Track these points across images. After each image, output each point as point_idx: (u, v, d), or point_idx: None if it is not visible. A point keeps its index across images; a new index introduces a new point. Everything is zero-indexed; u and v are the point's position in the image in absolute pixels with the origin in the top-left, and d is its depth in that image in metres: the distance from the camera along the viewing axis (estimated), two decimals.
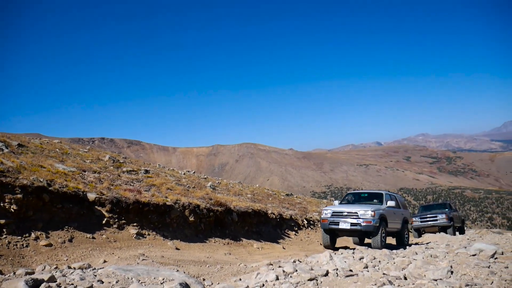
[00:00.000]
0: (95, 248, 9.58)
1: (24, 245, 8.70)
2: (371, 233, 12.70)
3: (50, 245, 9.04)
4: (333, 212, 13.28)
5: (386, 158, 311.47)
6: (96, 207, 10.99)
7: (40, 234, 9.26)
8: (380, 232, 12.64)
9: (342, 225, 12.91)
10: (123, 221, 11.26)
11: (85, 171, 14.02)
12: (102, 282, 5.55)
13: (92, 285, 4.87)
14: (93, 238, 10.10)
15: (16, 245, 8.61)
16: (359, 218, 12.65)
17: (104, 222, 10.83)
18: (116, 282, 5.67)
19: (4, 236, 8.70)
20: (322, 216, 13.62)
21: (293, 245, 16.36)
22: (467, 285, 6.24)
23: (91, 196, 11.03)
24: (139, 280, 5.87)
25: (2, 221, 8.83)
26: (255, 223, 16.21)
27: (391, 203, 13.69)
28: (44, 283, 4.30)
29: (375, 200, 14.60)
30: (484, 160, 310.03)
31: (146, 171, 17.93)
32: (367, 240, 15.99)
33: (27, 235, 9.05)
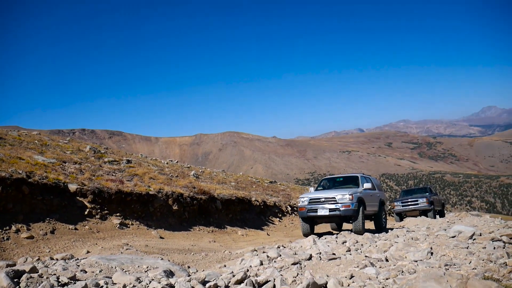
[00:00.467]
0: (77, 239, 9.50)
1: (5, 238, 8.58)
2: (351, 217, 12.40)
3: (31, 237, 8.93)
4: (310, 199, 12.83)
5: (368, 144, 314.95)
6: (77, 198, 10.87)
7: (21, 227, 9.13)
8: (360, 216, 12.36)
9: (321, 212, 12.48)
10: (106, 212, 11.17)
11: (65, 162, 13.81)
12: (86, 272, 5.52)
13: (75, 274, 4.84)
14: (76, 229, 10.01)
15: None
16: (337, 203, 12.27)
17: (86, 213, 10.73)
18: (100, 271, 5.65)
19: None
20: (299, 204, 13.21)
21: (277, 232, 16.49)
22: (446, 265, 6.40)
23: (72, 187, 10.90)
24: (123, 269, 5.86)
25: None
26: (239, 211, 16.27)
27: (367, 185, 13.41)
28: (26, 274, 4.25)
29: (351, 184, 14.23)
30: (463, 145, 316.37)
31: (128, 161, 17.77)
32: (345, 226, 15.91)
33: (7, 228, 8.91)
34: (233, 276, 6.25)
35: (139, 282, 5.10)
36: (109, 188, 11.51)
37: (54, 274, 4.71)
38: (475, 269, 6.24)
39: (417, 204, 22.50)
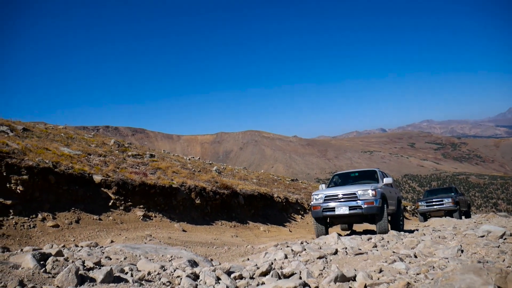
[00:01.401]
0: (102, 229, 9.56)
1: (31, 226, 8.68)
2: (374, 216, 10.91)
3: (57, 226, 9.02)
4: (325, 196, 11.16)
5: (391, 144, 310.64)
6: (102, 189, 10.95)
7: (47, 215, 9.24)
8: (385, 214, 10.92)
9: (339, 211, 10.81)
10: (130, 203, 11.22)
11: (90, 155, 13.96)
12: (110, 259, 5.49)
13: (100, 260, 4.81)
14: (100, 219, 10.08)
15: (23, 225, 8.58)
16: (359, 199, 10.69)
17: (110, 204, 10.80)
18: (124, 258, 5.62)
19: (11, 217, 8.67)
20: (312, 202, 11.47)
21: (300, 229, 16.33)
22: (479, 261, 6.14)
23: (97, 178, 10.98)
24: (147, 257, 5.81)
25: (9, 202, 8.80)
26: (261, 207, 16.17)
27: (388, 180, 12.13)
28: (52, 257, 4.23)
29: (368, 180, 12.58)
30: (489, 146, 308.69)
31: (151, 156, 17.88)
32: (354, 226, 14.80)
33: (33, 216, 9.02)
34: (258, 268, 6.14)
35: (164, 270, 5.04)
36: (133, 180, 11.56)
37: (80, 259, 4.69)
38: (510, 267, 5.99)
39: (442, 204, 21.94)
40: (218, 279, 4.96)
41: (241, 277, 5.36)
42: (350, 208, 10.75)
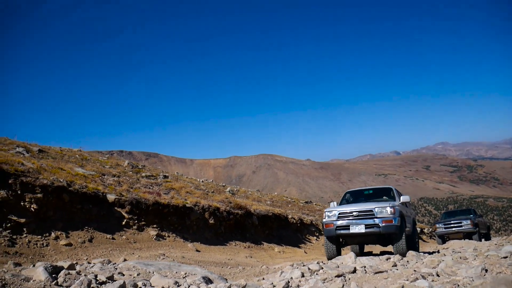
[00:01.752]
0: (115, 248, 9.44)
1: (44, 244, 8.60)
2: (393, 236, 10.03)
3: (70, 244, 8.93)
4: (339, 214, 10.29)
5: (405, 167, 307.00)
6: (115, 208, 10.88)
7: (60, 234, 9.17)
8: (403, 235, 10.08)
9: (354, 229, 9.95)
10: (143, 223, 11.11)
11: (104, 175, 13.97)
12: (123, 275, 5.35)
13: (113, 275, 4.68)
14: (113, 238, 9.97)
15: (36, 244, 8.51)
16: (376, 217, 9.84)
17: (123, 223, 10.70)
18: (137, 275, 5.48)
19: (24, 235, 8.62)
20: (324, 220, 10.56)
21: (315, 250, 15.98)
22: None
23: (111, 197, 10.93)
24: (161, 274, 5.66)
25: (22, 220, 8.76)
26: (276, 227, 15.90)
27: (405, 198, 11.19)
28: (64, 270, 4.13)
29: (384, 197, 11.70)
30: (506, 168, 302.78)
31: (165, 177, 17.85)
32: (366, 248, 14.01)
33: (47, 234, 8.96)
34: (274, 286, 5.96)
35: (178, 286, 4.89)
36: (146, 199, 11.48)
37: (92, 273, 4.57)
38: None
39: (461, 226, 21.32)
40: None
41: None
42: (367, 226, 9.86)
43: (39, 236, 8.80)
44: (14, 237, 8.42)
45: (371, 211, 9.98)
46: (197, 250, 11.00)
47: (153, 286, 4.72)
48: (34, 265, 5.63)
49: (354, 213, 10.14)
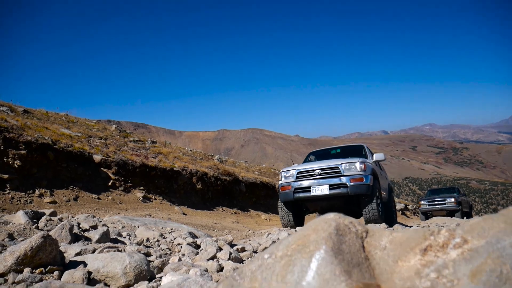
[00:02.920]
0: (100, 208, 9.31)
1: (28, 201, 8.44)
2: (364, 198, 8.18)
3: (54, 202, 8.77)
4: (298, 173, 8.52)
5: (392, 147, 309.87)
6: (102, 168, 10.70)
7: (44, 192, 8.99)
8: (375, 197, 8.24)
9: (316, 191, 8.14)
10: (130, 184, 10.97)
11: (91, 137, 13.71)
12: (107, 227, 5.24)
13: (97, 224, 4.56)
14: (99, 198, 9.84)
15: (20, 200, 8.34)
16: (343, 175, 8.07)
17: (110, 184, 10.55)
18: (122, 227, 5.37)
19: (7, 191, 8.44)
20: (281, 182, 8.79)
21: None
22: None
23: (97, 157, 10.73)
24: (147, 227, 5.56)
25: (5, 176, 8.56)
26: (263, 196, 15.91)
27: (379, 156, 9.52)
28: (46, 216, 3.99)
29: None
30: (491, 151, 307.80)
31: (153, 142, 17.63)
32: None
33: (31, 191, 8.78)
34: (260, 245, 5.91)
35: (164, 238, 4.80)
36: (133, 161, 11.32)
37: (76, 221, 4.45)
38: None
39: (445, 204, 21.69)
40: (220, 249, 4.71)
41: (243, 249, 5.11)
42: (331, 186, 8.04)
43: (23, 193, 8.62)
44: None
45: (337, 168, 8.16)
46: (183, 213, 10.93)
47: (137, 237, 4.61)
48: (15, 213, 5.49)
49: (316, 172, 8.30)
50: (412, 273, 1.00)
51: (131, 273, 2.53)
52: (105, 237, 3.86)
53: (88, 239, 3.72)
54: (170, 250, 4.38)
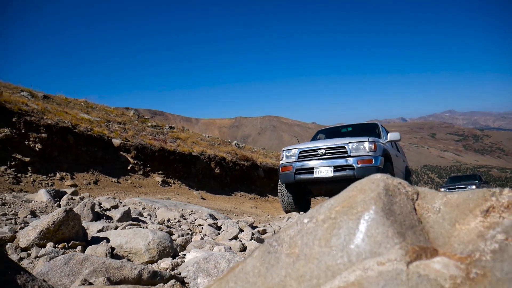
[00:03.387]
0: (120, 191, 9.36)
1: (49, 184, 8.52)
2: None
3: (75, 185, 8.84)
4: (301, 152, 7.82)
5: (411, 134, 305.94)
6: (121, 152, 10.74)
7: (65, 175, 9.07)
8: None
9: (320, 173, 7.40)
10: (148, 168, 11.01)
11: (110, 122, 13.78)
12: (128, 208, 5.24)
13: (117, 205, 4.54)
14: (118, 182, 9.89)
15: (41, 183, 8.43)
16: (350, 156, 7.29)
17: (129, 168, 10.59)
18: (143, 208, 5.36)
19: (29, 174, 8.53)
20: (282, 162, 8.10)
21: None
22: None
23: (116, 141, 10.78)
24: (167, 208, 5.54)
25: (27, 159, 8.65)
26: None
27: (393, 136, 8.64)
28: (67, 195, 3.97)
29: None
30: None
31: (171, 127, 17.68)
32: None
33: (52, 174, 8.87)
34: (280, 228, 5.83)
35: (184, 219, 4.76)
36: (152, 145, 11.33)
37: (97, 201, 4.43)
38: None
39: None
40: (241, 230, 4.65)
41: (264, 232, 5.06)
42: (336, 168, 7.27)
43: (44, 176, 8.71)
44: (19, 175, 8.33)
45: (343, 147, 7.37)
46: (202, 198, 10.93)
47: (158, 217, 4.58)
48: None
49: (321, 151, 7.52)
50: (473, 236, 0.90)
51: (154, 249, 2.48)
52: (126, 216, 3.83)
53: (109, 218, 3.69)
54: (191, 230, 4.34)
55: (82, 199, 4.10)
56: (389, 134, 8.74)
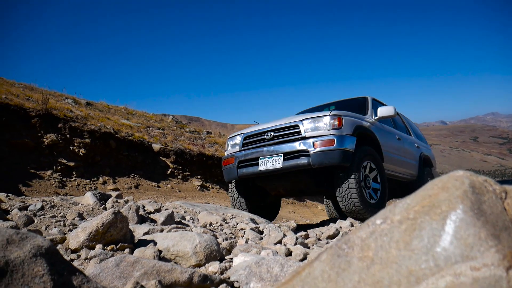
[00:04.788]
0: (160, 196, 9.49)
1: (93, 188, 8.74)
2: (338, 172, 5.30)
3: (117, 189, 9.02)
4: (246, 138, 5.92)
5: (451, 138, 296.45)
6: (160, 157, 10.90)
7: (107, 179, 9.28)
8: (359, 169, 5.24)
9: (266, 164, 5.45)
10: (187, 173, 11.11)
11: (149, 127, 14.04)
12: (172, 211, 5.27)
13: (160, 207, 4.56)
14: (158, 186, 10.03)
15: (85, 187, 8.65)
16: (304, 137, 5.28)
17: (168, 172, 10.73)
18: (184, 212, 5.37)
19: (74, 178, 8.77)
20: (226, 152, 6.35)
21: None
22: None
23: (156, 146, 10.94)
24: (208, 212, 5.54)
25: (72, 164, 8.91)
26: None
27: (385, 110, 6.30)
28: (112, 198, 4.03)
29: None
30: None
31: (208, 132, 17.83)
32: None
33: (95, 179, 9.09)
34: (322, 233, 5.71)
35: (226, 223, 4.73)
36: (191, 150, 11.44)
37: (141, 204, 4.48)
38: None
39: None
40: (284, 235, 4.57)
41: (307, 236, 4.95)
42: (286, 156, 5.28)
43: (88, 180, 8.94)
44: (64, 179, 8.59)
45: (296, 126, 5.35)
46: None
47: (200, 221, 4.57)
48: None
49: (268, 135, 5.54)
50: None
51: (201, 252, 2.44)
52: (170, 219, 3.83)
53: (153, 221, 3.70)
54: (233, 234, 4.30)
55: (126, 202, 4.15)
56: (379, 109, 6.39)
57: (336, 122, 5.18)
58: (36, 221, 2.91)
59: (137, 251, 2.38)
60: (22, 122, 8.90)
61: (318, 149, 5.06)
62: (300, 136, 5.29)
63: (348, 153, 5.09)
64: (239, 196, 6.40)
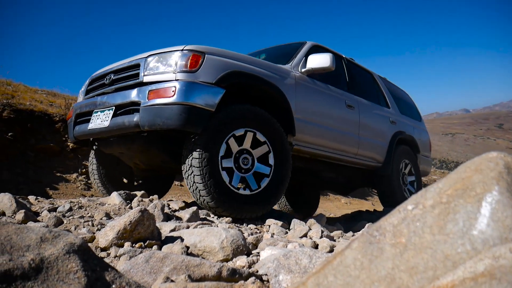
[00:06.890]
0: (183, 194, 9.59)
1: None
2: (188, 143, 3.51)
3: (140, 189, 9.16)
4: (90, 83, 4.36)
5: (475, 126, 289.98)
6: None
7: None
8: (218, 139, 3.52)
9: (96, 121, 3.79)
10: None
11: None
12: (196, 208, 5.33)
13: (184, 205, 4.61)
14: (181, 185, 10.14)
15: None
16: (142, 82, 3.52)
17: None
18: None
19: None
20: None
21: None
22: None
23: None
24: None
25: None
26: None
27: (319, 60, 4.31)
28: (137, 197, 4.10)
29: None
30: None
31: None
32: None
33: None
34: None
35: None
36: None
37: (166, 202, 4.54)
38: None
39: None
40: (309, 228, 4.57)
41: (332, 230, 4.95)
42: (118, 111, 3.64)
43: None
44: (89, 182, 8.75)
45: (137, 67, 3.68)
46: None
47: (226, 218, 4.60)
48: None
49: (107, 79, 3.95)
50: None
51: (228, 247, 2.45)
52: (195, 217, 3.86)
53: (178, 218, 3.74)
54: (258, 229, 4.31)
55: (151, 201, 4.20)
56: (309, 57, 4.47)
57: (188, 62, 3.38)
58: (65, 221, 2.97)
59: (165, 247, 2.41)
60: (47, 127, 9.10)
61: (150, 102, 3.33)
62: (138, 81, 3.59)
63: (197, 111, 3.30)
64: (96, 167, 4.95)
